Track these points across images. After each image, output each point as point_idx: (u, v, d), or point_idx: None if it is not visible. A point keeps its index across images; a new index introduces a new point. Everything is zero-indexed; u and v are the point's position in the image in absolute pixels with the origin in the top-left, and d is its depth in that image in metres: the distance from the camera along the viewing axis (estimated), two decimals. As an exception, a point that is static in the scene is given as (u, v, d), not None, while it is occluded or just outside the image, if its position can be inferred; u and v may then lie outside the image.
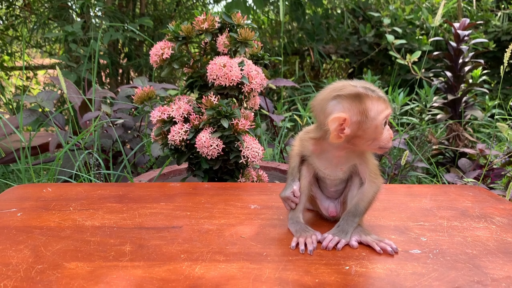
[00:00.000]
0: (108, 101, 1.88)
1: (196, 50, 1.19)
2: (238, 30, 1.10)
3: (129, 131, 1.67)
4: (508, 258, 0.62)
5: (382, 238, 0.66)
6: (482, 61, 2.07)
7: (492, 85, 3.26)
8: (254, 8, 3.45)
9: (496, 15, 3.50)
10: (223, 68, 1.02)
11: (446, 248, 0.65)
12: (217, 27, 1.10)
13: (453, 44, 2.03)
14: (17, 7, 3.24)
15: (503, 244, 0.67)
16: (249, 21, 1.13)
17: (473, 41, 2.15)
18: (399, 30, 3.25)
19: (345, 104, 0.61)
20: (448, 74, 2.09)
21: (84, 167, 1.44)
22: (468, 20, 2.04)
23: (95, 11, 2.82)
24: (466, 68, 2.06)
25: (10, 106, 2.73)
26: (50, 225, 0.72)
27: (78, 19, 2.94)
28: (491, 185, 1.53)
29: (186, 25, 1.08)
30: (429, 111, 2.32)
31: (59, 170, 1.40)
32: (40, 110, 1.87)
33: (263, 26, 3.98)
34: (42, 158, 1.61)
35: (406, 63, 2.36)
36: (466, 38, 2.00)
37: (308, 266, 0.60)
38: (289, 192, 0.70)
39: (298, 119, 2.02)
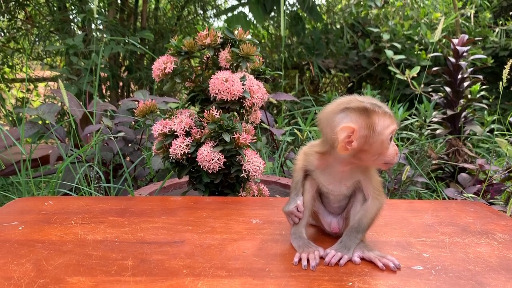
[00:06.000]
0: (109, 114, 1.88)
1: (197, 64, 1.20)
2: (240, 45, 1.11)
3: (130, 144, 1.67)
4: (511, 275, 0.62)
5: (385, 254, 0.66)
6: (480, 76, 2.08)
7: (491, 100, 3.28)
8: (254, 22, 3.48)
9: (494, 31, 3.54)
10: (225, 83, 1.03)
11: (449, 265, 0.65)
12: (219, 42, 1.11)
13: (452, 59, 2.05)
14: (19, 19, 3.26)
15: (506, 261, 0.67)
16: (249, 36, 1.14)
17: (471, 57, 2.17)
18: (398, 45, 3.28)
19: (353, 117, 0.61)
20: (447, 89, 2.10)
21: (84, 180, 1.44)
22: (466, 36, 2.07)
23: (97, 25, 2.84)
24: (465, 84, 2.07)
25: (10, 118, 2.73)
26: (52, 239, 0.72)
27: (80, 32, 2.96)
28: (491, 200, 1.53)
29: (188, 40, 1.09)
30: (429, 126, 2.32)
31: (60, 183, 1.40)
32: (40, 122, 1.88)
33: (263, 40, 4.01)
34: (42, 170, 1.61)
35: (405, 78, 2.37)
36: (465, 54, 2.01)
37: (311, 282, 0.59)
38: (292, 206, 0.70)
39: (298, 133, 2.02)
